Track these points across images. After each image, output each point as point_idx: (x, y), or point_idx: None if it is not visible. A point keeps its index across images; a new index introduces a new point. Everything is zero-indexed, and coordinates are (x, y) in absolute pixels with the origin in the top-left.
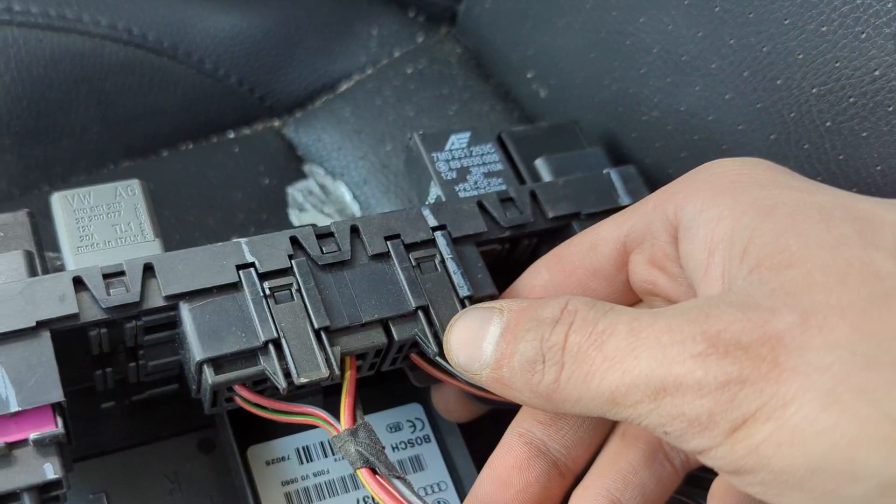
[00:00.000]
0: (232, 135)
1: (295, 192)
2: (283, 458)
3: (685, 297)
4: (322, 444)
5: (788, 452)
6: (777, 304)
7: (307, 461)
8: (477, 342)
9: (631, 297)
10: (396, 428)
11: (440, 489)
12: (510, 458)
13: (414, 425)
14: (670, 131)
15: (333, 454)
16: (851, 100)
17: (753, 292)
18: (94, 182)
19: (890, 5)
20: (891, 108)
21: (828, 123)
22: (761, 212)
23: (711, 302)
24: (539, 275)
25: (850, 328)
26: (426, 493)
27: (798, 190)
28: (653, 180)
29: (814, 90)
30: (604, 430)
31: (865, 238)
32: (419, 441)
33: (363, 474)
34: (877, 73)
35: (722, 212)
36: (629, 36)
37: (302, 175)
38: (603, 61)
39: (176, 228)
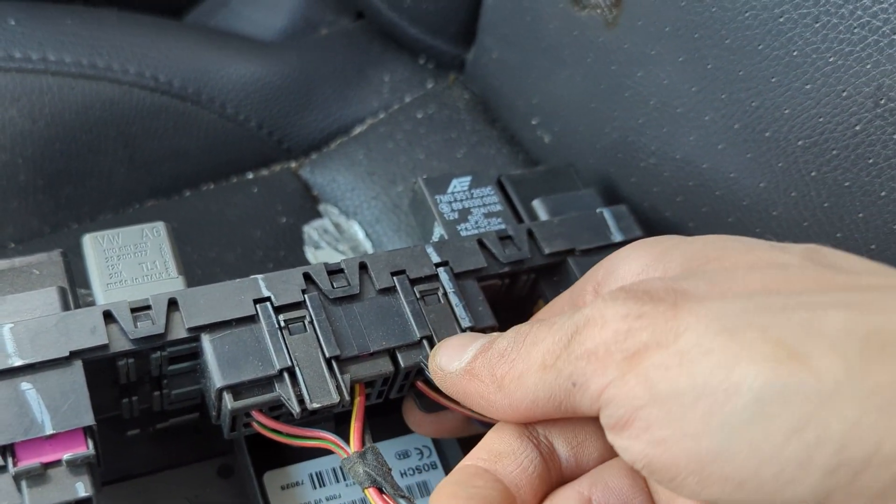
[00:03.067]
0: (251, 176)
1: (311, 230)
2: (297, 483)
3: None
4: (334, 469)
5: (676, 374)
6: (689, 276)
7: (320, 486)
8: (463, 347)
9: None
10: (405, 455)
11: None
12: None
13: (421, 452)
14: (667, 177)
15: (345, 479)
16: (834, 152)
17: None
18: (121, 220)
19: (868, 66)
20: (871, 161)
21: (813, 173)
22: (682, 240)
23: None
24: None
25: (748, 290)
26: None
27: (723, 238)
28: (651, 222)
29: (800, 142)
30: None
31: (775, 248)
32: (426, 468)
33: (370, 493)
34: (857, 128)
35: (645, 249)
36: (628, 88)
37: (317, 214)
38: (603, 111)
39: (198, 264)
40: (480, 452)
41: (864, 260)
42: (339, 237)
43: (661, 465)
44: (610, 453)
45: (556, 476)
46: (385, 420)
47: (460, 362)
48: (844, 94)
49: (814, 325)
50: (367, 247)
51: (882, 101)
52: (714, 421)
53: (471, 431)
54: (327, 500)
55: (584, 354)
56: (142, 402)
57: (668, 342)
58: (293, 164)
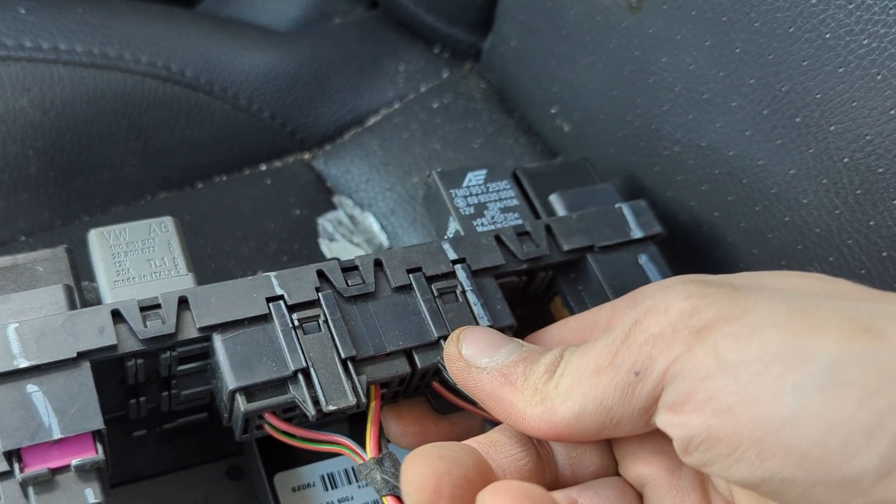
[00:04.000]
0: (264, 167)
1: (325, 222)
2: (309, 485)
3: None
4: (346, 471)
5: (747, 343)
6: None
7: (332, 488)
8: (494, 346)
9: None
10: None
11: None
12: None
13: None
14: (692, 165)
15: (357, 481)
16: (868, 137)
17: None
18: (133, 212)
19: None
20: None
21: (845, 160)
22: (721, 277)
23: None
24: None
25: (808, 291)
26: None
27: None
28: (674, 212)
29: (832, 128)
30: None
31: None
32: None
33: (389, 502)
34: (892, 112)
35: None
36: (652, 75)
37: (332, 206)
38: (626, 98)
39: (211, 258)
40: (479, 437)
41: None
42: (353, 229)
43: (724, 435)
44: (606, 470)
45: (550, 481)
46: None
47: (493, 361)
48: (879, 76)
49: (885, 310)
50: (383, 239)
51: None
52: (787, 386)
53: None
54: (339, 502)
55: (649, 340)
56: (149, 402)
57: (736, 315)
58: (307, 156)
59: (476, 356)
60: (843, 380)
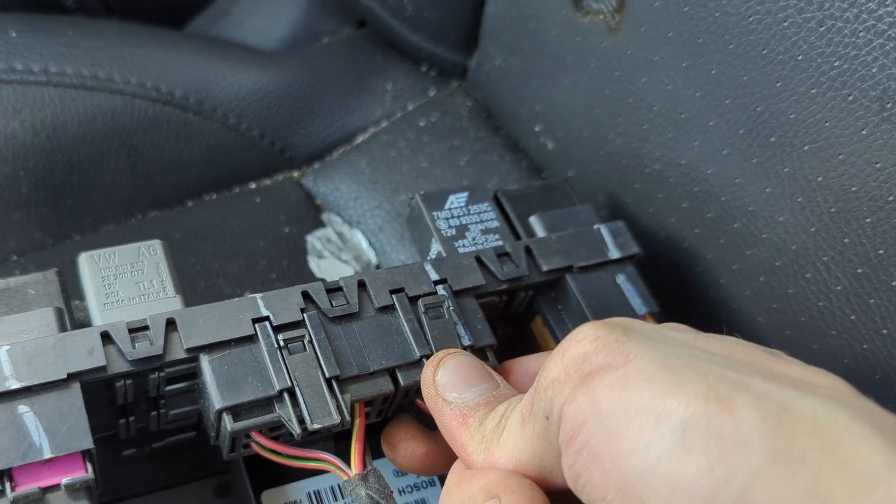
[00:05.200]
0: (253, 185)
1: (314, 239)
2: (295, 502)
3: None
4: (332, 488)
5: (619, 394)
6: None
7: None
8: (468, 382)
9: None
10: (403, 472)
11: None
12: None
13: None
14: (672, 183)
15: (343, 498)
16: (841, 157)
17: None
18: (124, 231)
19: (874, 70)
20: (878, 165)
21: (819, 178)
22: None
23: None
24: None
25: (693, 345)
26: None
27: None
28: (655, 229)
29: (805, 147)
30: None
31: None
32: (424, 485)
33: None
34: (864, 132)
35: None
36: (632, 94)
37: (320, 223)
38: (607, 117)
39: (201, 275)
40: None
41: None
42: (342, 246)
43: (596, 479)
44: None
45: None
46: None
47: (460, 399)
48: (850, 97)
49: (744, 382)
50: (371, 256)
51: (888, 105)
52: (642, 442)
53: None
54: None
55: (551, 384)
56: (138, 421)
57: (618, 364)
58: (296, 174)
59: (447, 388)
60: (689, 445)
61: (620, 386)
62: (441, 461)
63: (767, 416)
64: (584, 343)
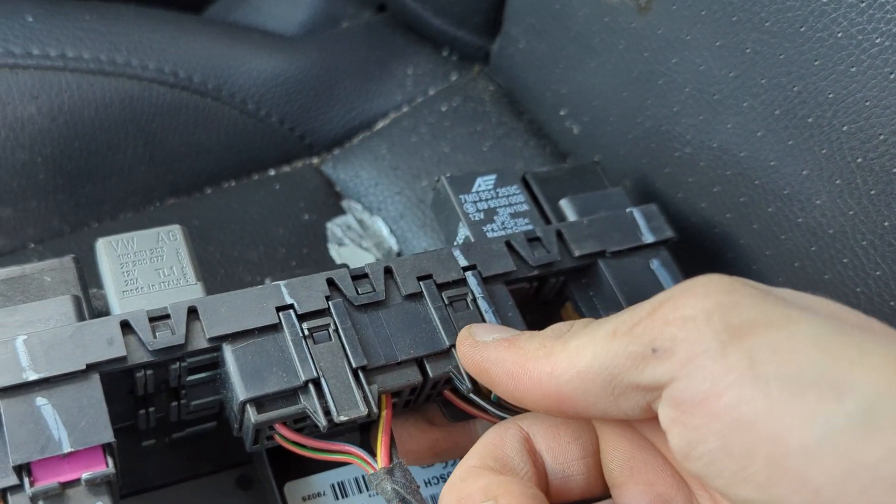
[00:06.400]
0: (273, 172)
1: (334, 227)
2: (319, 494)
3: None
4: (357, 479)
5: (785, 359)
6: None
7: (343, 496)
8: (505, 329)
9: None
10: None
11: None
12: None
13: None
14: (703, 167)
15: (368, 490)
16: (882, 137)
17: None
18: (142, 218)
19: None
20: None
21: (859, 160)
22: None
23: None
24: None
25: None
26: None
27: None
28: (685, 214)
29: (844, 128)
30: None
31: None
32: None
33: None
34: None
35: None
36: (662, 76)
37: (341, 210)
38: (636, 100)
39: (220, 263)
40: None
41: None
42: (362, 234)
43: (738, 449)
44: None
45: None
46: None
47: (500, 334)
48: (892, 75)
49: None
50: (392, 243)
51: None
52: (818, 415)
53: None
54: None
55: (678, 320)
56: (158, 412)
57: (779, 324)
58: (315, 160)
59: (485, 333)
60: (877, 424)
61: (787, 350)
62: (442, 451)
63: None
64: (733, 295)
